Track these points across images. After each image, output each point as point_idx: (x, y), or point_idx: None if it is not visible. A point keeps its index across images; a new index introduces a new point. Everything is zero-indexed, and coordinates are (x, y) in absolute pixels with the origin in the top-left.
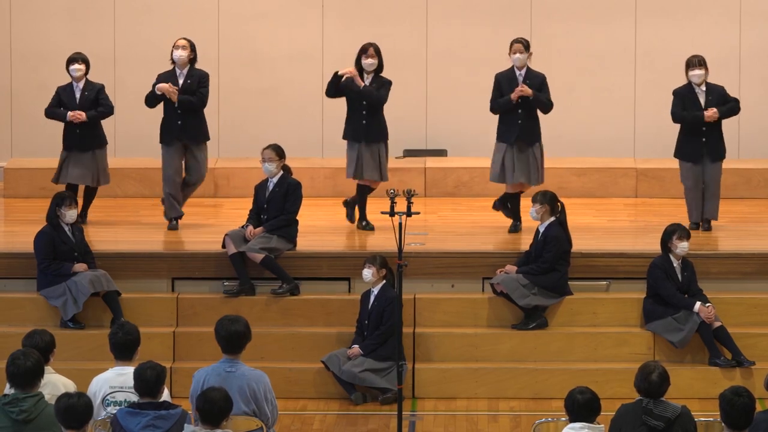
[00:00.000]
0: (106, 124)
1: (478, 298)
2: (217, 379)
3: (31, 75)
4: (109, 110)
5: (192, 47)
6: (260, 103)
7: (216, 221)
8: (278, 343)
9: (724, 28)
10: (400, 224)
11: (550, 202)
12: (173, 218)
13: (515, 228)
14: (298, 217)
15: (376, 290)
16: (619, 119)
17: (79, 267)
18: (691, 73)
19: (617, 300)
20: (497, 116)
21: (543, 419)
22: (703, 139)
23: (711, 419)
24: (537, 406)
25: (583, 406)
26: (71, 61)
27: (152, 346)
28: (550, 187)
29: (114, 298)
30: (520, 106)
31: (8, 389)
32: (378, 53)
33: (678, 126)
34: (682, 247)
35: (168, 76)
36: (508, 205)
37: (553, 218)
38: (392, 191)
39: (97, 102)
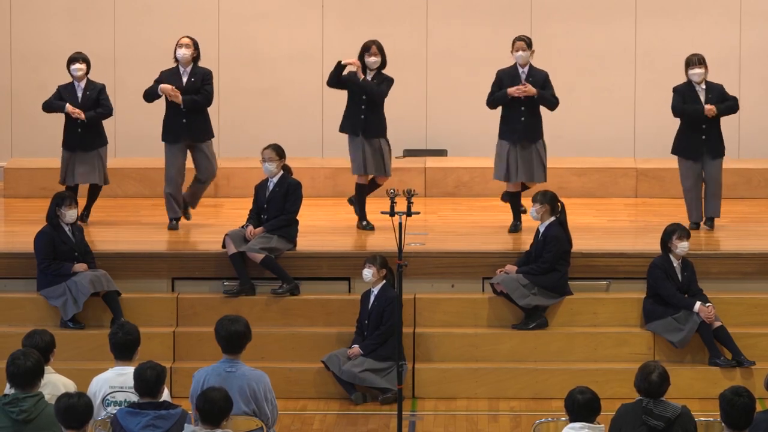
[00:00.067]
0: (106, 124)
1: (478, 298)
2: (217, 379)
3: (31, 75)
4: (108, 112)
5: (195, 45)
6: (260, 103)
7: (216, 221)
8: (278, 343)
9: (724, 28)
10: (400, 224)
11: (550, 202)
12: (173, 218)
13: (515, 228)
14: (298, 217)
15: (376, 290)
16: (619, 119)
17: (79, 267)
18: (691, 71)
19: (617, 300)
20: (498, 115)
21: (543, 419)
22: (703, 137)
23: (711, 419)
24: (537, 406)
25: (583, 406)
26: (72, 60)
27: (152, 346)
28: (550, 187)
29: (114, 298)
30: (522, 104)
31: (8, 389)
32: (381, 50)
33: (677, 124)
34: (682, 247)
35: (171, 74)
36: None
37: (553, 218)
38: (392, 191)
39: (98, 102)
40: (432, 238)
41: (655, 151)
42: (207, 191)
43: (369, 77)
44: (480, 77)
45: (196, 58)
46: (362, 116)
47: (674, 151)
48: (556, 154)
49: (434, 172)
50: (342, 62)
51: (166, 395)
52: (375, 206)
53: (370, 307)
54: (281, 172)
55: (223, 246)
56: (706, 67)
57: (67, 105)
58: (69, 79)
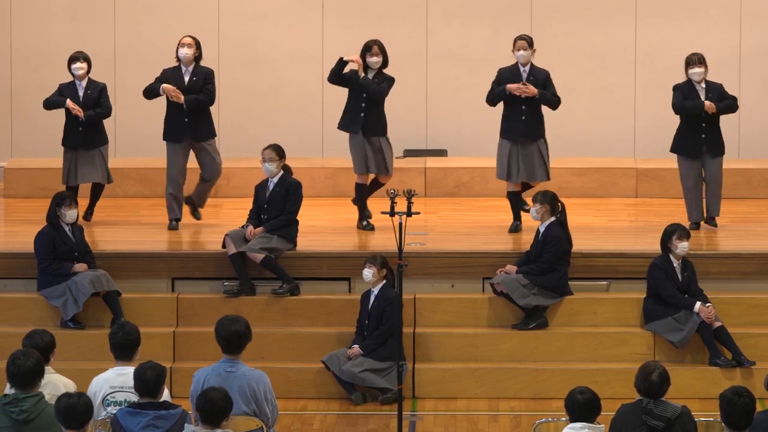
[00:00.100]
0: (106, 124)
1: (478, 298)
2: (217, 379)
3: (31, 75)
4: (107, 112)
5: (197, 45)
6: (260, 103)
7: (216, 221)
8: (278, 343)
9: (724, 28)
10: (401, 224)
11: (550, 202)
12: (173, 219)
13: (515, 228)
14: (298, 217)
15: (376, 290)
16: (619, 119)
17: (80, 267)
18: (691, 70)
19: (617, 300)
20: (499, 115)
21: (543, 419)
22: (703, 135)
23: (711, 419)
24: (537, 406)
25: (583, 406)
26: (73, 59)
27: (152, 346)
28: (550, 187)
29: (114, 298)
30: (523, 103)
31: (8, 389)
32: (382, 50)
33: (677, 123)
34: (682, 247)
35: (173, 73)
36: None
37: (553, 218)
38: (392, 191)
39: (99, 102)
40: (432, 238)
41: (655, 151)
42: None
43: (370, 77)
44: (480, 77)
45: (198, 57)
46: (362, 114)
47: (674, 150)
48: (556, 154)
49: (434, 172)
50: (344, 59)
51: (166, 395)
52: (375, 206)
53: (370, 307)
54: (281, 172)
55: (223, 246)
56: (706, 67)
57: (68, 100)
58: (69, 79)
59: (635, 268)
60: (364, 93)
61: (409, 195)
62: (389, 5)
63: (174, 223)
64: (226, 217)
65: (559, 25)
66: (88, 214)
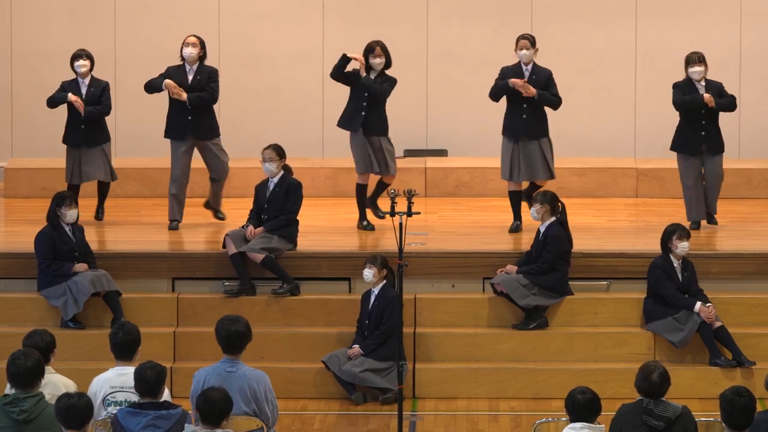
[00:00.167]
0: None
1: (478, 298)
2: (217, 379)
3: (31, 75)
4: (107, 110)
5: (202, 44)
6: (260, 103)
7: (216, 221)
8: (279, 343)
9: (724, 28)
10: (401, 224)
11: (550, 202)
12: (174, 220)
13: (516, 228)
14: (298, 217)
15: (376, 290)
16: (620, 119)
17: (80, 267)
18: (691, 69)
19: (617, 300)
20: (499, 114)
21: (543, 419)
22: (702, 133)
23: (711, 419)
24: (537, 406)
25: (583, 406)
26: (76, 57)
27: (152, 346)
28: (551, 187)
29: (114, 298)
30: (525, 101)
31: (9, 389)
32: (385, 51)
33: (677, 122)
34: (682, 247)
35: (177, 71)
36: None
37: (553, 218)
38: (393, 191)
39: (100, 100)
40: (432, 238)
41: (656, 151)
42: (207, 191)
43: (372, 77)
44: (480, 77)
45: (202, 57)
46: (363, 113)
47: (673, 148)
48: (556, 154)
49: (434, 172)
50: (347, 55)
51: (166, 395)
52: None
53: (370, 307)
54: (281, 172)
55: (224, 246)
56: (706, 65)
57: (69, 94)
58: (69, 79)
59: (635, 268)
60: (366, 92)
61: (410, 195)
62: (389, 5)
63: (174, 224)
64: (227, 216)
65: (559, 25)
66: (100, 213)
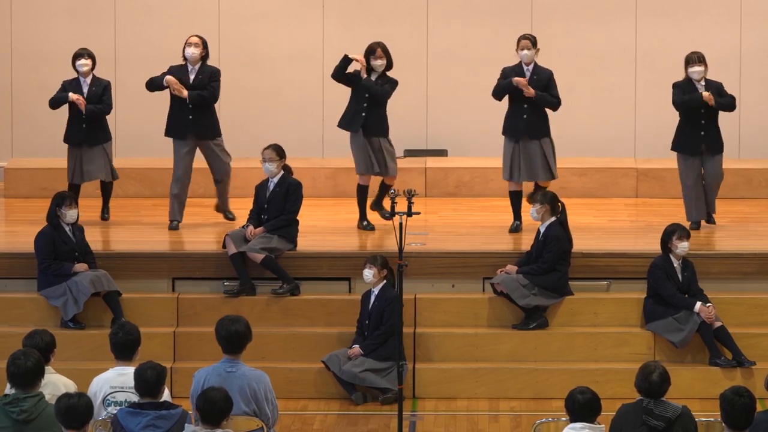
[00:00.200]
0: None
1: (478, 298)
2: (217, 379)
3: (31, 75)
4: (107, 110)
5: (204, 44)
6: (260, 103)
7: (216, 221)
8: (279, 343)
9: (724, 28)
10: (401, 224)
11: (550, 202)
12: (174, 221)
13: (516, 228)
14: (298, 217)
15: (376, 290)
16: (620, 119)
17: (80, 267)
18: (690, 69)
19: (617, 300)
20: (500, 114)
21: (543, 419)
22: (702, 132)
23: (711, 419)
24: (537, 406)
25: (583, 406)
26: (77, 56)
27: (152, 346)
28: (551, 187)
29: (114, 298)
30: (525, 101)
31: (9, 389)
32: (386, 52)
33: (677, 122)
34: (682, 247)
35: (179, 71)
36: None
37: (553, 218)
38: (393, 191)
39: (101, 99)
40: (432, 238)
41: (656, 151)
42: (207, 191)
43: (373, 79)
44: (480, 77)
45: (205, 57)
46: (363, 114)
47: (674, 147)
48: (556, 154)
49: (435, 172)
50: (349, 56)
51: (166, 395)
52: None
53: (370, 307)
54: (281, 172)
55: (224, 246)
56: (705, 65)
57: (70, 93)
58: (71, 78)
59: (635, 268)
60: (367, 93)
61: (410, 195)
62: (389, 5)
63: (174, 224)
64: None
65: (559, 25)
66: (105, 213)
